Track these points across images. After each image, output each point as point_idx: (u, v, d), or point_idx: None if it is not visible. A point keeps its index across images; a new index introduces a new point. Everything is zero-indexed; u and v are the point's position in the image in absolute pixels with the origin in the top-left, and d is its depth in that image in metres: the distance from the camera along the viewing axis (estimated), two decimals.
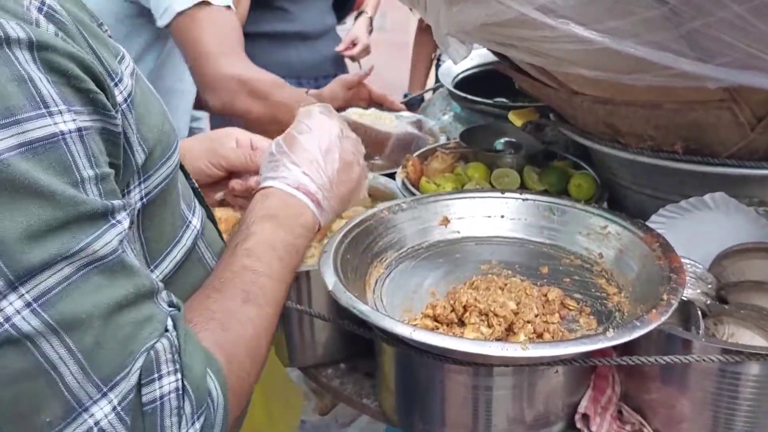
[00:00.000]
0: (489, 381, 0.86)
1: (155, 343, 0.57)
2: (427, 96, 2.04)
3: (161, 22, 1.35)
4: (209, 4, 1.34)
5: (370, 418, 1.08)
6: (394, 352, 0.92)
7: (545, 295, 0.92)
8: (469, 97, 1.63)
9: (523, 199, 1.11)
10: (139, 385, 0.56)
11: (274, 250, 0.75)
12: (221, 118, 2.15)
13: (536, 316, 0.87)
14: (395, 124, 1.49)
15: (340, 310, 0.91)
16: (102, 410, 0.53)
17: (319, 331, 1.07)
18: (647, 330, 0.78)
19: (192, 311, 0.65)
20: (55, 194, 0.52)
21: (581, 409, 0.90)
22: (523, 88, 1.31)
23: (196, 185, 0.86)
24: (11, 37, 0.52)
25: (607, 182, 1.26)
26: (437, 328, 0.86)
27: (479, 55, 1.70)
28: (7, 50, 0.52)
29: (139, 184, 0.66)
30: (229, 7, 1.41)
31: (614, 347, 0.83)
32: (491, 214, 1.11)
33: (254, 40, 1.47)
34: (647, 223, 1.03)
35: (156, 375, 0.56)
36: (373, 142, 1.41)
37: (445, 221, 1.10)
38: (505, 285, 0.92)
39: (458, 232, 1.10)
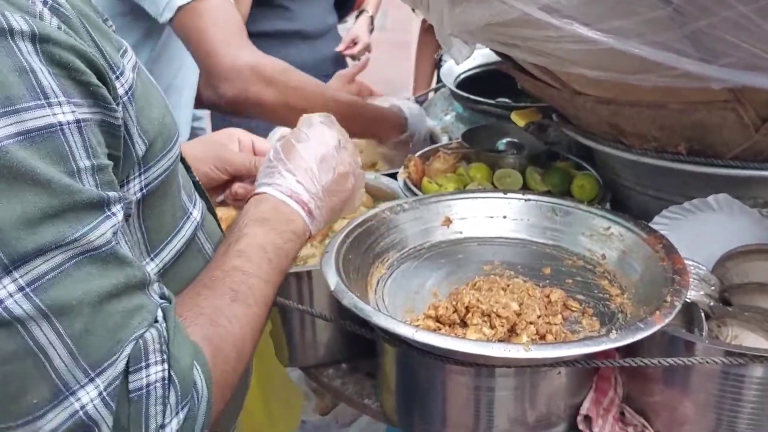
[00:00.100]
0: (491, 382, 0.86)
1: (144, 332, 0.58)
2: (429, 96, 2.04)
3: (164, 18, 1.34)
4: None
5: (371, 419, 1.08)
6: (396, 352, 0.91)
7: (548, 296, 0.91)
8: (472, 97, 1.63)
9: (526, 200, 1.11)
10: (127, 373, 0.57)
11: (265, 252, 0.76)
12: (222, 118, 2.15)
13: (539, 317, 0.87)
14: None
15: (341, 311, 0.90)
16: (88, 395, 0.55)
17: (320, 331, 1.07)
18: (651, 332, 0.78)
19: (183, 306, 0.66)
20: (52, 182, 0.53)
21: (583, 410, 0.90)
22: (525, 88, 1.31)
23: (197, 179, 0.87)
24: (15, 29, 0.54)
25: (610, 183, 1.25)
26: (439, 329, 0.86)
27: (481, 55, 1.70)
28: (10, 41, 0.53)
29: (140, 175, 0.68)
30: None
31: (617, 349, 0.83)
32: (493, 215, 1.11)
33: (255, 39, 1.47)
34: (650, 224, 1.03)
35: (143, 363, 0.57)
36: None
37: (447, 222, 1.10)
38: (508, 286, 0.92)
39: (460, 233, 1.10)
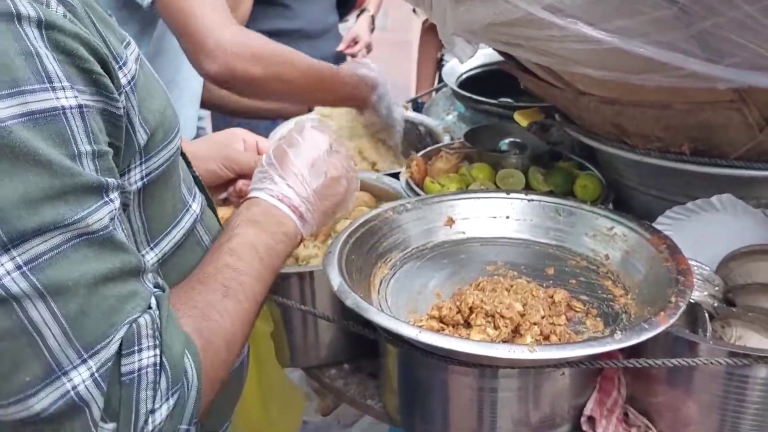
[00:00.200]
0: (494, 383, 0.85)
1: (138, 317, 0.60)
2: (431, 96, 2.04)
3: (146, 2, 1.34)
4: None
5: (373, 419, 1.08)
6: (399, 353, 0.91)
7: (551, 297, 0.91)
8: (474, 96, 1.62)
9: (529, 200, 1.11)
10: (119, 356, 0.58)
11: (256, 251, 0.78)
12: (223, 118, 2.15)
13: (543, 317, 0.86)
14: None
15: (344, 311, 0.90)
16: (80, 375, 0.56)
17: (322, 331, 1.07)
18: (656, 332, 0.78)
19: (177, 299, 0.68)
20: (53, 164, 0.55)
21: (587, 411, 0.90)
22: (528, 88, 1.31)
23: (197, 174, 0.89)
24: (22, 14, 0.55)
25: (613, 183, 1.25)
26: (443, 330, 0.86)
27: (484, 55, 1.69)
28: (17, 26, 0.55)
29: (141, 164, 0.69)
30: None
31: (621, 349, 0.82)
32: (496, 215, 1.11)
33: None
34: (654, 224, 1.03)
35: (136, 348, 0.59)
36: None
37: (450, 222, 1.10)
38: (512, 286, 0.92)
39: (463, 233, 1.09)
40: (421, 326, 0.83)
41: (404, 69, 3.83)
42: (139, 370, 0.58)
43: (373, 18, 2.75)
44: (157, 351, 0.60)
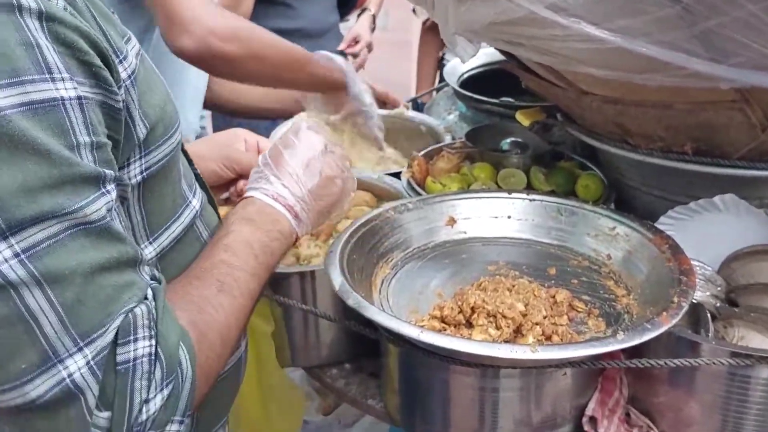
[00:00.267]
0: (496, 383, 0.85)
1: (134, 307, 0.60)
2: (432, 95, 2.03)
3: None
4: None
5: (374, 419, 1.08)
6: (400, 352, 0.91)
7: (553, 297, 0.91)
8: (475, 96, 1.62)
9: (531, 200, 1.11)
10: (115, 344, 0.58)
11: (251, 248, 0.79)
12: (223, 118, 2.15)
13: (545, 317, 0.86)
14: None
15: (346, 311, 0.90)
16: (76, 363, 0.56)
17: (324, 331, 1.07)
18: (659, 332, 0.78)
19: (173, 293, 0.68)
20: (52, 153, 0.55)
21: (589, 411, 0.89)
22: (530, 88, 1.30)
23: (198, 171, 0.89)
24: (23, 6, 0.56)
25: (614, 183, 1.25)
26: (444, 330, 0.85)
27: (485, 54, 1.69)
28: (18, 17, 0.56)
29: (141, 158, 0.69)
30: None
31: (623, 349, 0.82)
32: (498, 215, 1.11)
33: None
34: (656, 224, 1.03)
35: (132, 337, 0.59)
36: None
37: (452, 221, 1.10)
38: (513, 286, 0.92)
39: (465, 233, 1.09)
40: (422, 326, 0.83)
41: (404, 69, 3.83)
42: (135, 359, 0.59)
43: (374, 17, 2.75)
44: (153, 341, 0.60)
